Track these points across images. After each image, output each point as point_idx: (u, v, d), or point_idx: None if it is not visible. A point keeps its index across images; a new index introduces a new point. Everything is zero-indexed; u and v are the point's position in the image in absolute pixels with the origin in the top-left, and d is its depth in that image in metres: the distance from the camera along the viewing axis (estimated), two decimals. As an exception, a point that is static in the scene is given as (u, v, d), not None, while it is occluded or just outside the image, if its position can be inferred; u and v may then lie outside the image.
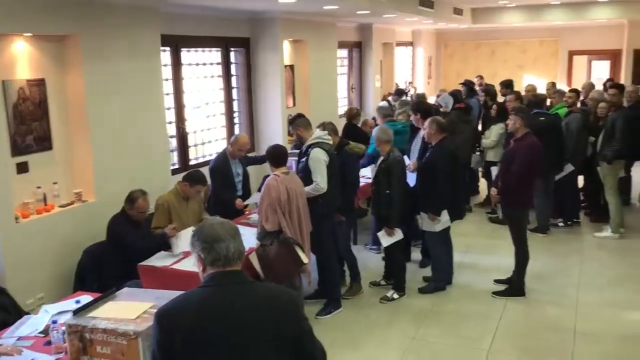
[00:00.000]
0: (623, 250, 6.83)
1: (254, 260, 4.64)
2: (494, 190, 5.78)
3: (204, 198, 5.81)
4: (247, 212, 5.86)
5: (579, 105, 8.14)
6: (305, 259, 4.70)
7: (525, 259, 5.62)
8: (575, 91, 8.05)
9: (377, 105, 7.61)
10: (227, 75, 7.91)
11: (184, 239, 4.76)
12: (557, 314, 5.29)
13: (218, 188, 5.91)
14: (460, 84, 9.93)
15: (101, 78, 5.34)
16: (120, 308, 3.03)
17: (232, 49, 7.99)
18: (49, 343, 3.23)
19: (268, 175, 4.99)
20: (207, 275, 2.07)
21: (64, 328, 3.00)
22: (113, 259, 4.72)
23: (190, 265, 4.55)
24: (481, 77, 11.96)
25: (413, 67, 15.65)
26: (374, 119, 8.78)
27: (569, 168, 7.34)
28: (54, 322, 3.25)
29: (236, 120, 8.18)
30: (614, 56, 15.15)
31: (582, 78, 14.81)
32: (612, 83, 8.60)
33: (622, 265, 6.38)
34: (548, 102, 8.49)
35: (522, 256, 5.62)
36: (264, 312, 2.01)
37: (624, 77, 13.94)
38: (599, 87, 9.81)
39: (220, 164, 5.92)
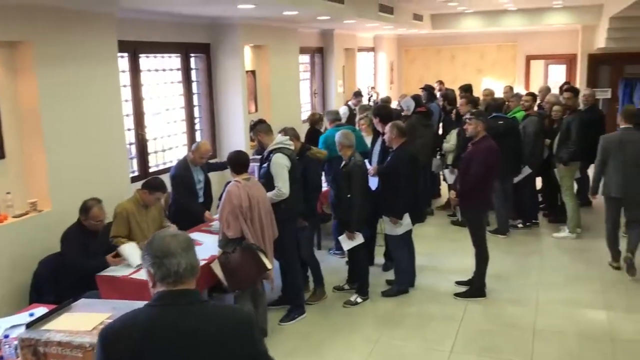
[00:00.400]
0: (580, 250, 7.01)
1: (217, 268, 4.60)
2: (452, 193, 5.87)
3: (164, 205, 5.74)
4: (208, 220, 5.81)
5: (536, 108, 8.33)
6: (269, 264, 4.67)
7: (485, 260, 5.72)
8: (532, 95, 8.22)
9: (326, 110, 7.65)
10: (187, 81, 7.84)
11: (132, 253, 4.68)
12: (517, 313, 5.40)
13: (179, 195, 5.84)
14: (420, 88, 10.06)
15: (56, 85, 5.22)
16: (76, 320, 2.97)
17: (192, 54, 7.93)
18: (1, 358, 3.13)
19: (230, 182, 4.95)
20: (156, 294, 1.94)
21: (16, 342, 2.91)
22: (70, 269, 4.61)
23: (150, 274, 4.49)
24: (441, 82, 12.13)
25: (375, 73, 15.80)
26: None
27: (526, 171, 7.51)
28: (6, 336, 3.15)
29: (197, 127, 8.11)
30: (569, 60, 15.58)
31: (539, 81, 15.18)
32: (568, 87, 8.83)
33: (579, 265, 6.55)
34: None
35: (481, 257, 5.72)
36: (215, 334, 1.91)
37: (579, 81, 14.35)
38: (555, 90, 10.08)
39: (182, 171, 5.86)
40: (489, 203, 5.91)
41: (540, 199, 8.39)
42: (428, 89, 9.86)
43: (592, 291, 5.82)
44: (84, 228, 4.73)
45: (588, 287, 5.93)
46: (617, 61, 14.14)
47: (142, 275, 4.47)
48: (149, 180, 5.25)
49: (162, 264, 1.92)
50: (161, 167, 7.32)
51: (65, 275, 4.62)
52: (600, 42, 13.36)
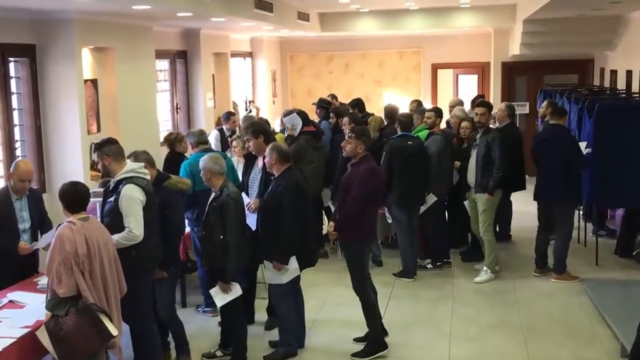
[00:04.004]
0: (498, 292, 7.44)
1: (43, 337, 4.44)
2: (331, 225, 6.05)
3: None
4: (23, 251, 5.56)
5: (443, 125, 8.76)
6: (114, 331, 4.59)
7: (372, 306, 5.92)
8: (435, 110, 8.55)
9: (188, 131, 7.68)
10: (4, 94, 7.52)
11: None
12: (426, 373, 5.62)
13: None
14: (314, 104, 10.15)
15: None
16: None
17: (12, 59, 7.64)
18: None
19: (61, 224, 4.78)
20: None
21: None
22: None
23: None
24: (334, 97, 12.40)
25: (254, 83, 15.96)
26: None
27: (431, 199, 7.83)
28: None
29: (18, 152, 7.78)
30: (481, 69, 16.61)
31: (449, 94, 16.01)
32: (480, 101, 9.23)
33: (497, 310, 6.94)
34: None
35: (367, 304, 5.91)
36: None
37: (493, 93, 15.33)
38: (467, 104, 10.70)
39: None
40: (372, 234, 6.17)
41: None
42: (324, 105, 9.96)
43: (513, 341, 6.17)
44: None
45: (507, 336, 6.29)
46: (535, 70, 15.29)
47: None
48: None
49: None
50: (-32, 206, 6.93)
51: None
52: (515, 48, 14.43)
